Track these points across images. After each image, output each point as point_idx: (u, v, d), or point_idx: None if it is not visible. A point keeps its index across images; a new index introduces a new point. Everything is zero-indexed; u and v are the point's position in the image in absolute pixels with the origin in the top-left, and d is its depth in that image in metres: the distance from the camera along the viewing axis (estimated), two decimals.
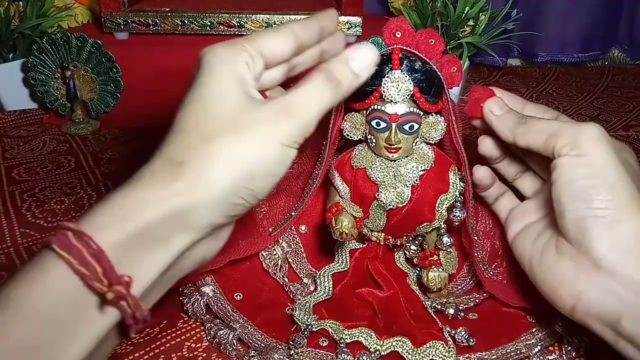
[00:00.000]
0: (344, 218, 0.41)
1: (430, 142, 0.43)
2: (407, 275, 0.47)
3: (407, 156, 0.43)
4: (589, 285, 0.34)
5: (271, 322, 0.43)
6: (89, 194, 0.63)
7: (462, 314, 0.45)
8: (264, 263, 0.48)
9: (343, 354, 0.40)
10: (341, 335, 0.41)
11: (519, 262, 0.41)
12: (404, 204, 0.43)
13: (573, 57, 1.08)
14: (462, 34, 0.86)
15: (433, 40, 0.41)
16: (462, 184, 0.44)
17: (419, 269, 0.47)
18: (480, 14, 0.84)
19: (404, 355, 0.40)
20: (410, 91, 0.40)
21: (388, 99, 0.40)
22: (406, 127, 0.41)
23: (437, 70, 0.41)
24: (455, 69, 0.42)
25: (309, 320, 0.42)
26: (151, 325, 0.44)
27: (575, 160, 0.35)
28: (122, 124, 0.80)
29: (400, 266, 0.47)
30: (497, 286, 0.45)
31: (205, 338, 0.43)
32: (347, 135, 0.43)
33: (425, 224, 0.44)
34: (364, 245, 0.47)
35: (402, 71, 0.40)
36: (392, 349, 0.40)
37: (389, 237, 0.45)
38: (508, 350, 0.41)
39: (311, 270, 0.48)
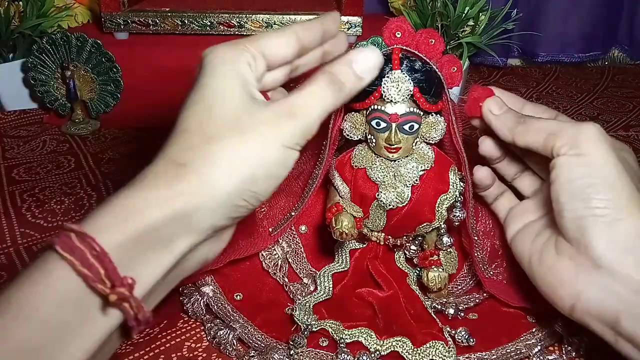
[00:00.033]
0: (344, 218, 0.41)
1: (430, 142, 0.43)
2: (407, 275, 0.47)
3: (407, 156, 0.43)
4: (588, 285, 0.34)
5: (271, 322, 0.43)
6: (89, 194, 0.63)
7: (462, 314, 0.45)
8: (264, 263, 0.48)
9: (343, 354, 0.40)
10: (341, 335, 0.41)
11: (518, 261, 0.41)
12: (404, 204, 0.43)
13: (574, 57, 1.08)
14: (462, 34, 0.86)
15: (433, 40, 0.41)
16: (462, 184, 0.44)
17: (419, 269, 0.47)
18: (480, 14, 0.84)
19: (404, 355, 0.40)
20: (410, 91, 0.40)
21: (388, 99, 0.40)
22: (406, 127, 0.41)
23: (437, 70, 0.41)
24: (455, 69, 0.42)
25: (309, 320, 0.42)
26: (151, 326, 0.44)
27: (574, 159, 0.35)
28: (122, 124, 0.80)
29: (400, 266, 0.47)
30: (497, 286, 0.45)
31: (205, 338, 0.43)
32: (347, 135, 0.43)
33: (425, 224, 0.44)
34: (364, 245, 0.47)
35: (402, 71, 0.40)
36: (392, 349, 0.40)
37: (389, 237, 0.45)
38: (508, 350, 0.41)
39: (311, 270, 0.48)
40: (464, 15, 0.83)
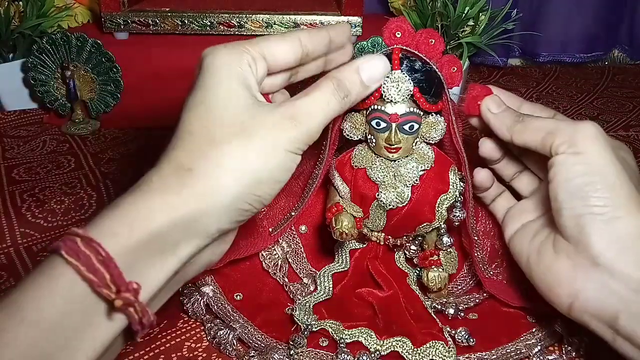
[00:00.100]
0: (344, 218, 0.41)
1: (430, 142, 0.43)
2: (407, 275, 0.47)
3: (407, 156, 0.43)
4: (587, 283, 0.34)
5: (271, 322, 0.43)
6: (89, 194, 0.63)
7: (462, 314, 0.45)
8: (264, 263, 0.48)
9: (343, 354, 0.40)
10: (341, 335, 0.41)
11: (517, 261, 0.41)
12: (404, 204, 0.43)
13: (575, 57, 1.08)
14: (462, 34, 0.86)
15: (433, 40, 0.41)
16: (462, 184, 0.44)
17: (419, 269, 0.47)
18: (480, 14, 0.84)
19: (404, 355, 0.40)
20: (410, 91, 0.40)
21: (388, 99, 0.40)
22: (406, 127, 0.41)
23: (437, 70, 0.41)
24: (455, 69, 0.42)
25: (309, 320, 0.42)
26: None
27: (572, 158, 0.35)
28: (122, 124, 0.80)
29: (400, 266, 0.47)
30: (497, 286, 0.45)
31: (205, 338, 0.43)
32: (347, 135, 0.43)
33: (425, 224, 0.44)
34: (364, 245, 0.47)
35: (402, 71, 0.40)
36: (392, 349, 0.40)
37: (389, 237, 0.45)
38: (508, 350, 0.41)
39: (311, 270, 0.48)
40: (464, 15, 0.83)
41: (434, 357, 0.40)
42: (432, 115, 0.42)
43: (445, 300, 0.45)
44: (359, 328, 0.42)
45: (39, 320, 0.26)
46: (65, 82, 0.79)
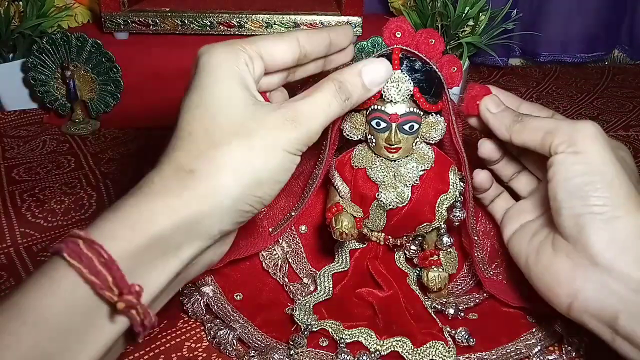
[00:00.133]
0: (344, 218, 0.41)
1: (430, 142, 0.43)
2: (407, 275, 0.47)
3: (407, 156, 0.43)
4: (586, 283, 0.34)
5: (271, 322, 0.43)
6: (89, 194, 0.63)
7: (462, 314, 0.45)
8: (264, 263, 0.48)
9: (343, 354, 0.40)
10: (341, 335, 0.41)
11: (515, 261, 0.41)
12: (404, 204, 0.43)
13: (576, 58, 1.08)
14: (462, 34, 0.86)
15: (433, 40, 0.41)
16: (462, 184, 0.44)
17: (419, 269, 0.47)
18: (480, 14, 0.84)
19: (404, 355, 0.40)
20: (410, 91, 0.40)
21: (388, 99, 0.40)
22: (406, 127, 0.41)
23: (437, 70, 0.41)
24: (455, 69, 0.42)
25: (309, 320, 0.42)
26: None
27: (571, 157, 0.35)
28: (122, 124, 0.80)
29: (400, 266, 0.47)
30: (497, 286, 0.45)
31: (205, 338, 0.43)
32: (347, 135, 0.43)
33: (425, 224, 0.44)
34: (364, 245, 0.47)
35: (402, 71, 0.40)
36: (392, 349, 0.40)
37: (389, 237, 0.45)
38: (508, 350, 0.41)
39: (311, 270, 0.48)
40: (464, 15, 0.83)
41: (434, 357, 0.40)
42: (432, 115, 0.42)
43: (445, 300, 0.45)
44: (359, 328, 0.42)
45: (40, 323, 0.26)
46: (65, 82, 0.79)
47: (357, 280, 0.46)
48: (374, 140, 0.42)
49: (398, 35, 0.41)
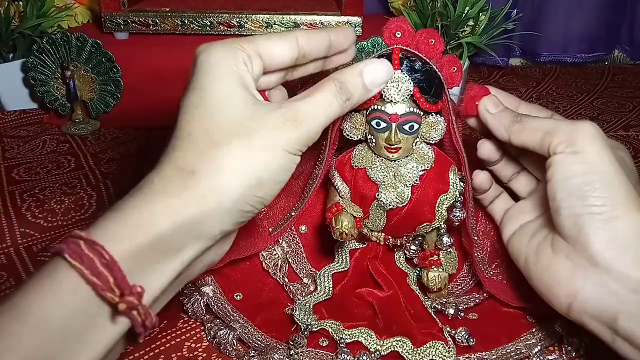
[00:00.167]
0: (344, 218, 0.41)
1: (430, 142, 0.43)
2: (407, 275, 0.47)
3: (407, 156, 0.43)
4: (585, 283, 0.34)
5: (271, 322, 0.43)
6: (89, 194, 0.63)
7: (462, 314, 0.45)
8: (264, 263, 0.48)
9: (343, 354, 0.40)
10: (341, 335, 0.41)
11: (515, 262, 0.41)
12: (404, 204, 0.43)
13: (576, 58, 1.08)
14: (462, 34, 0.86)
15: (433, 40, 0.41)
16: (462, 184, 0.44)
17: (419, 269, 0.47)
18: (480, 14, 0.84)
19: (404, 355, 0.40)
20: (410, 91, 0.40)
21: (388, 99, 0.40)
22: (406, 127, 0.41)
23: (437, 70, 0.41)
24: (455, 69, 0.42)
25: (309, 320, 0.42)
26: None
27: (570, 157, 0.35)
28: (122, 124, 0.80)
29: (400, 266, 0.47)
30: (497, 286, 0.45)
31: (205, 338, 0.43)
32: (347, 135, 0.43)
33: (425, 224, 0.44)
34: (364, 245, 0.47)
35: (402, 71, 0.40)
36: (392, 349, 0.40)
37: (389, 237, 0.45)
38: (508, 350, 0.41)
39: (311, 270, 0.48)
40: (464, 15, 0.83)
41: (434, 357, 0.40)
42: (432, 115, 0.42)
43: (445, 300, 0.45)
44: (359, 328, 0.42)
45: (41, 324, 0.26)
46: (65, 82, 0.79)
47: (357, 280, 0.46)
48: (374, 140, 0.42)
49: (398, 35, 0.41)
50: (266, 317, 0.44)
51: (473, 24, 0.86)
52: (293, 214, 0.47)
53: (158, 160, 0.31)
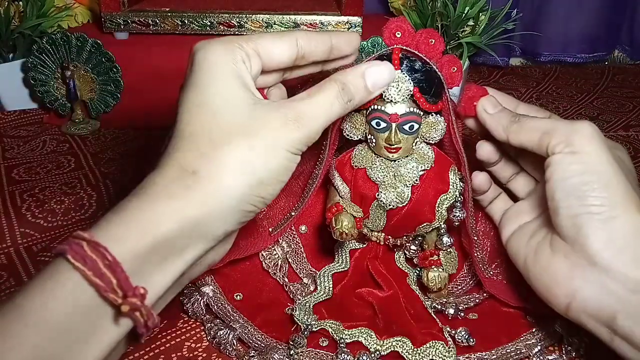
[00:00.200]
0: (344, 218, 0.41)
1: (430, 142, 0.43)
2: (407, 275, 0.47)
3: (407, 156, 0.43)
4: (584, 283, 0.34)
5: (271, 322, 0.43)
6: (89, 194, 0.63)
7: (462, 314, 0.45)
8: (264, 263, 0.48)
9: (343, 354, 0.40)
10: (341, 335, 0.41)
11: (514, 262, 0.41)
12: (404, 204, 0.43)
13: (576, 58, 1.08)
14: (462, 34, 0.86)
15: (433, 40, 0.41)
16: (462, 184, 0.44)
17: (419, 269, 0.47)
18: (480, 14, 0.84)
19: (404, 355, 0.40)
20: (410, 91, 0.40)
21: (388, 99, 0.40)
22: (406, 127, 0.41)
23: (437, 70, 0.41)
24: (455, 69, 0.42)
25: (309, 320, 0.42)
26: None
27: (569, 157, 0.35)
28: (122, 124, 0.80)
29: (400, 266, 0.47)
30: (497, 286, 0.45)
31: (205, 338, 0.43)
32: (347, 135, 0.43)
33: (425, 224, 0.44)
34: (364, 245, 0.47)
35: (402, 71, 0.40)
36: (392, 349, 0.40)
37: (389, 237, 0.45)
38: (508, 350, 0.41)
39: (311, 270, 0.48)
40: (464, 15, 0.83)
41: (434, 357, 0.40)
42: (432, 115, 0.42)
43: (445, 300, 0.45)
44: (359, 328, 0.42)
45: (44, 325, 0.26)
46: (65, 82, 0.79)
47: (357, 280, 0.46)
48: (374, 140, 0.42)
49: (398, 35, 0.41)
50: (266, 317, 0.44)
51: (473, 24, 0.86)
52: (293, 214, 0.47)
53: (159, 160, 0.31)
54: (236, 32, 0.82)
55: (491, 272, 0.46)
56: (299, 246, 0.49)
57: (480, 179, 0.44)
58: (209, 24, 0.82)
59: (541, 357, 0.41)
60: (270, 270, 0.47)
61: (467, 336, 0.42)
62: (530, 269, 0.38)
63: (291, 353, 0.40)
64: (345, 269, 0.46)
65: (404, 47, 0.41)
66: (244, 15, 0.82)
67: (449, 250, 0.45)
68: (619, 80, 1.04)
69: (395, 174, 0.42)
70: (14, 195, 0.63)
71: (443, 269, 0.45)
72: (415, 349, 0.40)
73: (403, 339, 0.41)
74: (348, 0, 0.82)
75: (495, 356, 0.41)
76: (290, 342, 0.40)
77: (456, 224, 0.44)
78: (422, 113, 0.42)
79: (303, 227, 0.49)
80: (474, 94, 0.42)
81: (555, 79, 1.04)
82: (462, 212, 0.43)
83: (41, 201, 0.61)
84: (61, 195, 0.62)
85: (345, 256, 0.47)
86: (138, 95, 0.79)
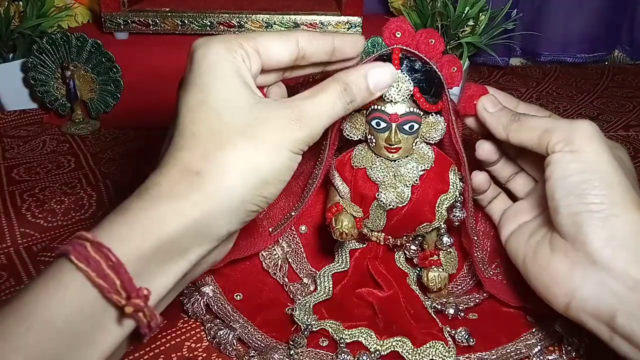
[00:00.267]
0: (344, 218, 0.41)
1: (430, 142, 0.43)
2: (407, 275, 0.47)
3: (407, 156, 0.43)
4: (584, 281, 0.34)
5: (271, 322, 0.43)
6: (89, 194, 0.63)
7: (462, 314, 0.45)
8: (264, 263, 0.48)
9: (343, 354, 0.40)
10: (341, 335, 0.41)
11: (513, 261, 0.41)
12: (404, 204, 0.43)
13: (576, 58, 1.08)
14: (462, 34, 0.86)
15: (433, 40, 0.41)
16: (462, 184, 0.44)
17: (419, 269, 0.47)
18: (480, 14, 0.84)
19: (404, 355, 0.40)
20: (410, 91, 0.40)
21: (388, 99, 0.40)
22: (406, 127, 0.41)
23: (437, 70, 0.41)
24: (455, 69, 0.42)
25: (309, 320, 0.42)
26: None
27: (569, 156, 0.35)
28: (122, 124, 0.80)
29: (400, 266, 0.47)
30: (497, 286, 0.45)
31: (205, 338, 0.43)
32: (347, 135, 0.43)
33: (425, 224, 0.44)
34: (364, 245, 0.47)
35: (402, 71, 0.40)
36: (392, 349, 0.40)
37: (389, 237, 0.45)
38: (508, 350, 0.41)
39: (311, 270, 0.48)
40: (464, 15, 0.83)
41: (434, 357, 0.40)
42: (432, 115, 0.42)
43: (445, 300, 0.45)
44: (359, 328, 0.42)
45: (48, 326, 0.26)
46: (65, 82, 0.79)
47: (357, 280, 0.46)
48: (374, 140, 0.42)
49: (398, 35, 0.41)
50: (266, 317, 0.44)
51: (473, 24, 0.86)
52: (293, 214, 0.47)
53: (161, 160, 0.31)
54: (236, 32, 0.82)
55: (491, 272, 0.46)
56: (299, 246, 0.49)
57: (479, 178, 0.44)
58: (209, 24, 0.82)
59: (541, 357, 0.41)
60: (270, 270, 0.47)
61: (467, 336, 0.42)
62: (529, 268, 0.38)
63: (291, 353, 0.40)
64: (345, 269, 0.46)
65: (404, 47, 0.41)
66: (244, 15, 0.82)
67: (449, 250, 0.45)
68: (619, 80, 1.04)
69: (395, 174, 0.42)
70: (14, 195, 0.63)
71: (443, 269, 0.45)
72: (415, 349, 0.40)
73: (403, 339, 0.41)
74: (348, 0, 0.82)
75: (495, 356, 0.41)
76: (290, 342, 0.40)
77: (456, 224, 0.44)
78: (422, 113, 0.42)
79: (303, 227, 0.49)
80: (474, 92, 0.42)
81: (555, 79, 1.04)
82: (462, 212, 0.43)
83: (41, 201, 0.61)
84: (61, 195, 0.62)
85: (345, 256, 0.47)
86: (138, 95, 0.79)
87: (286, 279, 0.47)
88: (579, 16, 1.04)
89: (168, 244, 0.28)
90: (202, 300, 0.44)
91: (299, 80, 0.41)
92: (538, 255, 0.38)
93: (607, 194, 0.34)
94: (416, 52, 0.41)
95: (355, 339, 0.41)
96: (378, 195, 0.42)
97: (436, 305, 0.45)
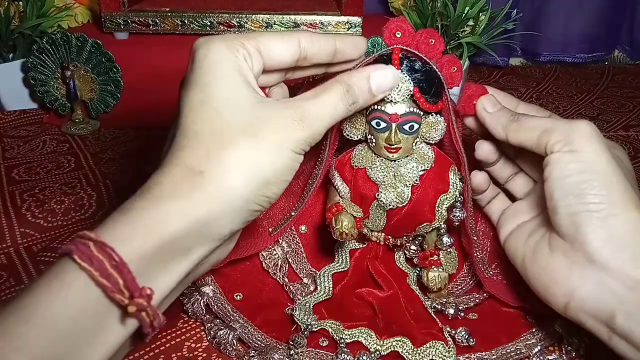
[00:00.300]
0: (344, 218, 0.41)
1: (430, 142, 0.43)
2: (407, 275, 0.47)
3: (407, 156, 0.43)
4: (583, 281, 0.34)
5: (271, 322, 0.43)
6: (89, 194, 0.63)
7: (462, 314, 0.45)
8: (264, 263, 0.48)
9: (343, 354, 0.40)
10: (341, 335, 0.41)
11: (512, 261, 0.41)
12: (404, 204, 0.43)
13: (576, 58, 1.08)
14: (462, 34, 0.86)
15: (433, 40, 0.41)
16: (461, 184, 0.44)
17: (419, 269, 0.47)
18: (480, 14, 0.84)
19: (404, 355, 0.40)
20: (410, 91, 0.40)
21: (388, 99, 0.40)
22: (406, 127, 0.41)
23: (437, 70, 0.41)
24: (455, 69, 0.42)
25: (309, 320, 0.42)
26: None
27: (567, 156, 0.35)
28: (122, 124, 0.80)
29: (400, 266, 0.47)
30: (497, 286, 0.45)
31: (205, 338, 0.43)
32: (347, 135, 0.43)
33: (425, 224, 0.44)
34: (364, 245, 0.47)
35: (402, 71, 0.40)
36: (392, 349, 0.40)
37: (389, 237, 0.45)
38: (508, 350, 0.41)
39: (311, 270, 0.48)
40: (464, 15, 0.83)
41: (434, 357, 0.40)
42: (432, 115, 0.42)
43: (445, 300, 0.45)
44: (359, 328, 0.42)
45: (50, 325, 0.26)
46: (65, 82, 0.79)
47: (357, 280, 0.46)
48: (374, 140, 0.42)
49: (398, 35, 0.41)
50: (266, 317, 0.44)
51: (473, 24, 0.86)
52: (293, 214, 0.47)
53: (163, 159, 0.31)
54: (236, 32, 0.82)
55: (491, 272, 0.46)
56: (299, 246, 0.49)
57: (479, 178, 0.44)
58: (209, 24, 0.82)
59: (541, 357, 0.41)
60: (270, 270, 0.47)
61: (467, 336, 0.42)
62: (528, 268, 0.38)
63: (291, 353, 0.40)
64: (345, 269, 0.46)
65: (404, 47, 0.41)
66: (244, 15, 0.82)
67: (449, 250, 0.45)
68: (619, 80, 1.04)
69: (395, 174, 0.42)
70: (14, 195, 0.63)
71: (443, 269, 0.45)
72: (415, 349, 0.40)
73: (403, 339, 0.41)
74: (348, 0, 0.82)
75: (495, 356, 0.41)
76: (290, 342, 0.40)
77: (456, 224, 0.44)
78: (422, 113, 0.42)
79: (303, 227, 0.49)
80: (474, 92, 0.42)
81: (555, 79, 1.04)
82: (462, 212, 0.43)
83: (41, 201, 0.61)
84: (61, 195, 0.62)
85: (345, 256, 0.47)
86: (138, 95, 0.79)
87: (286, 279, 0.47)
88: (578, 16, 1.04)
89: (171, 243, 0.28)
90: (202, 300, 0.44)
91: (301, 80, 0.41)
92: (537, 255, 0.38)
93: (606, 193, 0.34)
94: (416, 52, 0.41)
95: (355, 339, 0.41)
96: (378, 195, 0.42)
97: (436, 305, 0.45)
